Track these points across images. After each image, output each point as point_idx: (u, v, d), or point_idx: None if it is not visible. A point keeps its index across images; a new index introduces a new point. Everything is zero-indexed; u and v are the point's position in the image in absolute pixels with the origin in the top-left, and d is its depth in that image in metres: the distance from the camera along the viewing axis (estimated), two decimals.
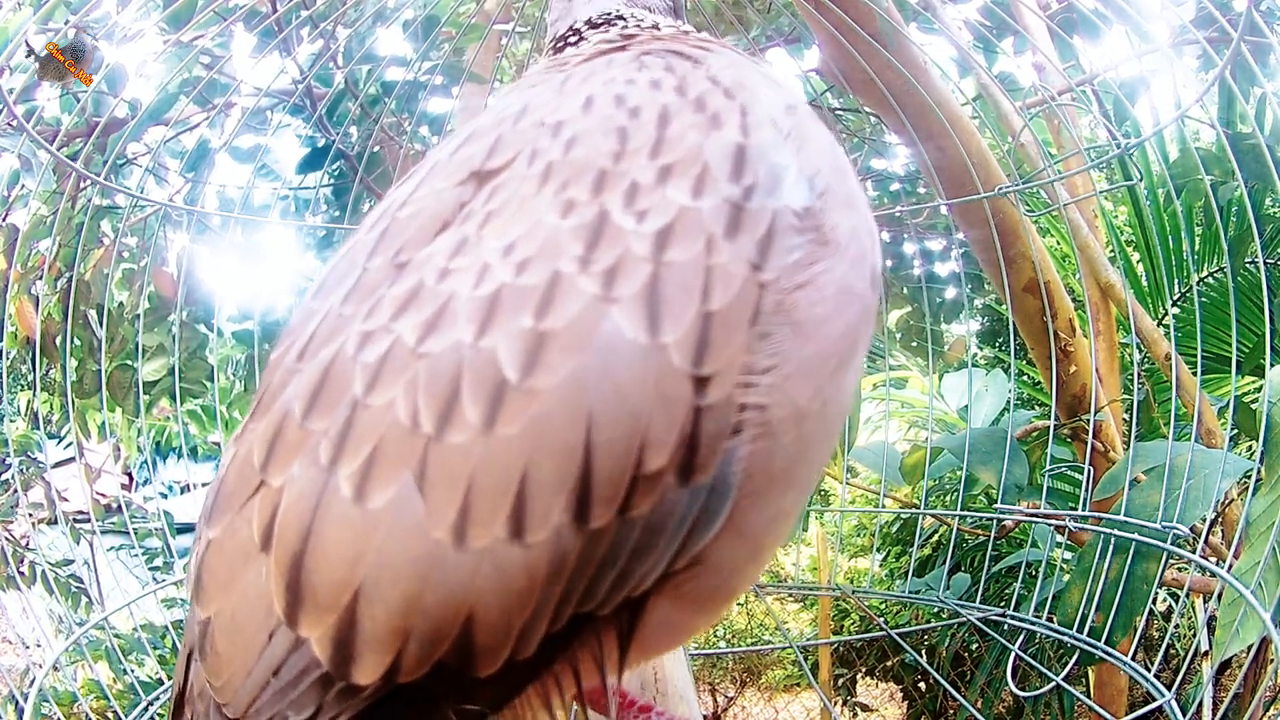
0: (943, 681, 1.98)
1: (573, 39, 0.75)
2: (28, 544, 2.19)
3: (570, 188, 0.50)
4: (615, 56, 0.65)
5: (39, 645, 2.17)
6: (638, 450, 0.43)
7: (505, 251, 0.48)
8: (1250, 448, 1.37)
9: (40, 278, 1.87)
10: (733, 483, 0.46)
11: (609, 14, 0.75)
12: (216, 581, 0.49)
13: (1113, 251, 2.49)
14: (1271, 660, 1.39)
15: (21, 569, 2.08)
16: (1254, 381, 2.10)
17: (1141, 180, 2.15)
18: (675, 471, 0.44)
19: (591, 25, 0.75)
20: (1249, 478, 1.20)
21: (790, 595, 3.19)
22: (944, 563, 1.82)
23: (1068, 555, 1.70)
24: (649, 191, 0.49)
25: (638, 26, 0.73)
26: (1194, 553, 1.18)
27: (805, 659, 3.09)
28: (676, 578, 0.47)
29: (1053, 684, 1.18)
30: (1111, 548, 1.21)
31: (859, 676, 3.49)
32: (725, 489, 0.46)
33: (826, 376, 0.50)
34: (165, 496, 2.83)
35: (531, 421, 0.43)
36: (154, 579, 1.66)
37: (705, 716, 3.77)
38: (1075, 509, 1.45)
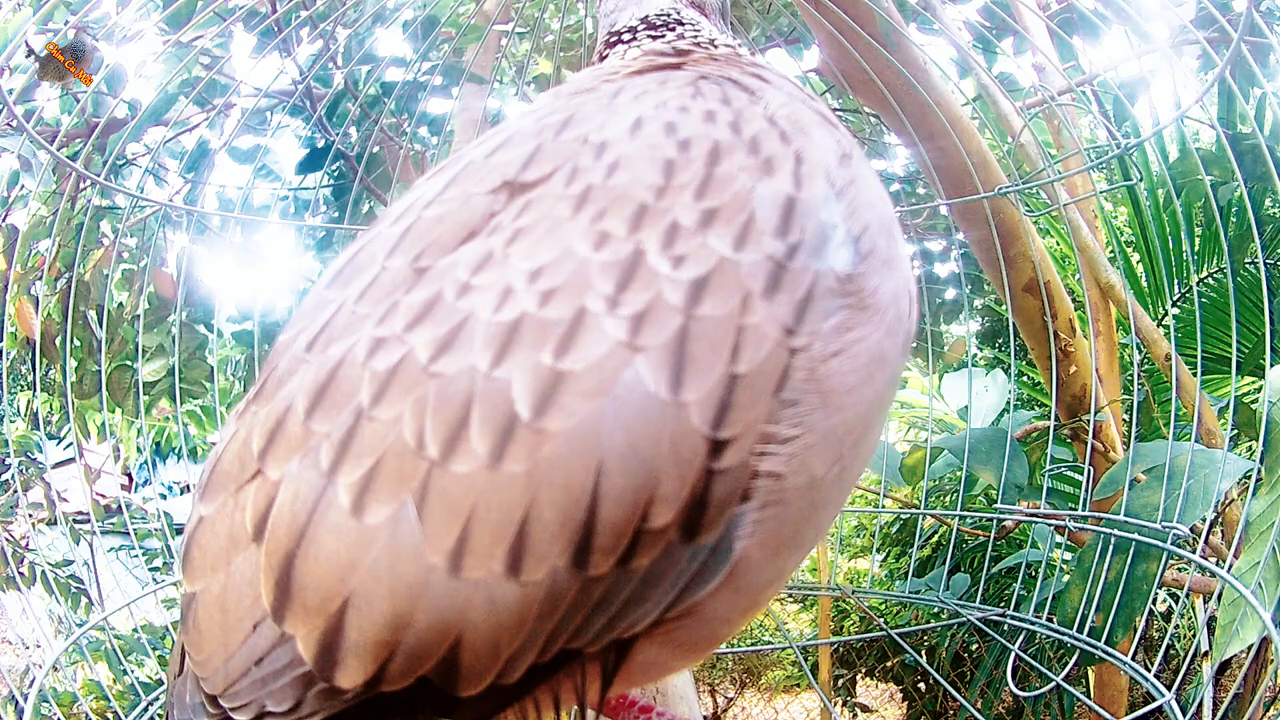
0: (943, 682, 1.98)
1: (626, 36, 0.73)
2: (28, 544, 2.19)
3: (607, 218, 0.48)
4: (671, 76, 0.62)
5: (39, 646, 2.17)
6: (645, 505, 0.42)
7: (531, 277, 0.46)
8: (1250, 448, 1.37)
9: (40, 278, 1.87)
10: (736, 546, 0.45)
11: (667, 14, 0.73)
12: (206, 559, 0.49)
13: (1113, 251, 2.49)
14: (1271, 660, 1.39)
15: (21, 569, 2.08)
16: (1254, 381, 2.10)
17: (1141, 180, 2.15)
18: (680, 529, 0.43)
19: (649, 25, 0.73)
20: (1249, 478, 1.20)
21: (790, 595, 3.18)
22: (944, 563, 1.82)
23: (1067, 555, 1.70)
24: (689, 236, 0.46)
25: (694, 37, 0.71)
26: (1194, 553, 1.18)
27: (805, 659, 3.09)
28: (667, 625, 0.47)
29: (1053, 684, 1.18)
30: (1111, 548, 1.21)
31: (859, 677, 3.49)
32: (727, 550, 0.45)
33: (849, 447, 0.48)
34: (165, 497, 2.84)
35: (540, 463, 0.42)
36: (154, 579, 1.66)
37: (705, 717, 3.77)
38: (1075, 509, 1.45)
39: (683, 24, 0.73)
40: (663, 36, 0.72)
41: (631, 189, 0.49)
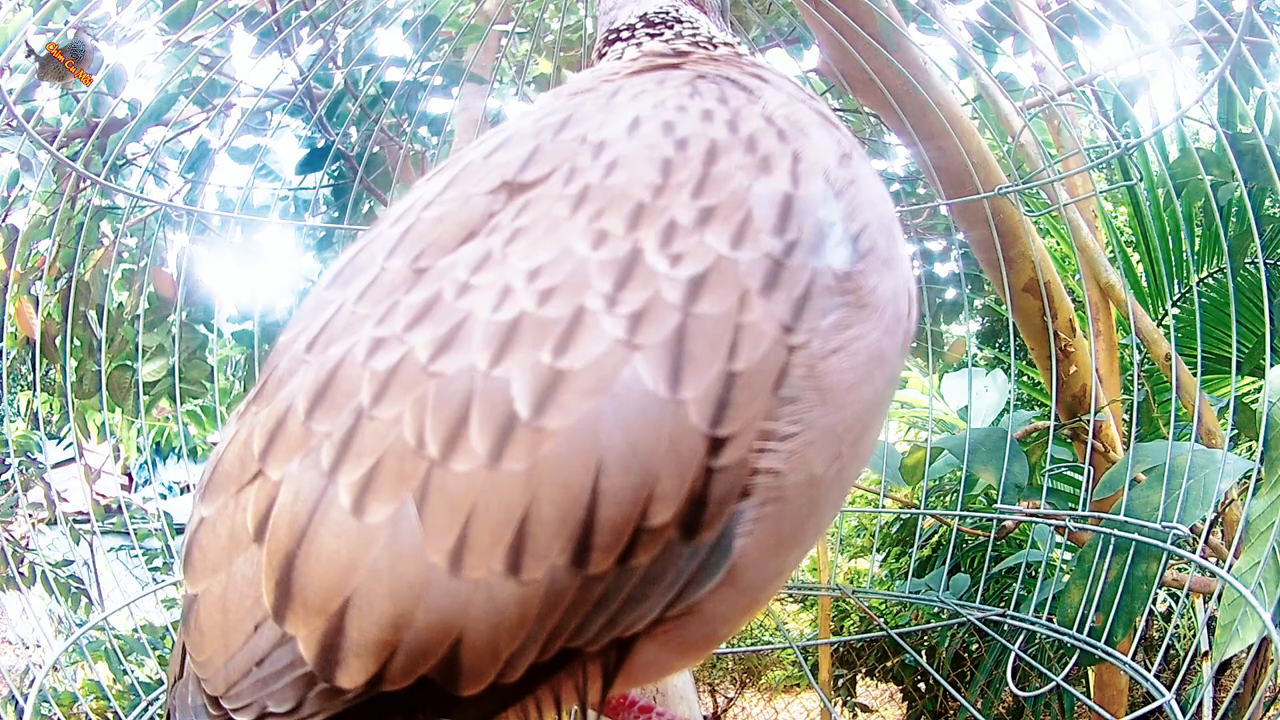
0: (943, 682, 1.98)
1: (625, 34, 0.73)
2: (28, 544, 2.19)
3: (605, 217, 0.48)
4: (669, 75, 0.62)
5: (39, 646, 2.17)
6: (644, 503, 0.42)
7: (529, 276, 0.46)
8: (1250, 448, 1.37)
9: (40, 278, 1.87)
10: (735, 544, 0.45)
11: (666, 12, 0.73)
12: (207, 560, 0.50)
13: (1113, 251, 2.49)
14: (1271, 660, 1.39)
15: (21, 569, 2.08)
16: (1254, 381, 2.10)
17: (1141, 180, 2.14)
18: (679, 527, 0.43)
19: (648, 23, 0.73)
20: (1249, 478, 1.20)
21: (790, 595, 3.18)
22: (944, 563, 1.82)
23: (1068, 555, 1.70)
24: (687, 234, 0.46)
25: (693, 36, 0.71)
26: (1194, 553, 1.18)
27: (805, 659, 3.08)
28: (667, 624, 0.47)
29: (1053, 684, 1.18)
30: (1111, 548, 1.21)
31: (859, 677, 3.49)
32: (727, 548, 0.45)
33: (848, 445, 0.48)
34: (165, 497, 2.83)
35: (539, 461, 0.42)
36: (154, 579, 1.66)
37: (705, 717, 3.77)
38: (1075, 509, 1.45)
39: (681, 22, 0.73)
40: (661, 35, 0.72)
41: (629, 188, 0.49)
